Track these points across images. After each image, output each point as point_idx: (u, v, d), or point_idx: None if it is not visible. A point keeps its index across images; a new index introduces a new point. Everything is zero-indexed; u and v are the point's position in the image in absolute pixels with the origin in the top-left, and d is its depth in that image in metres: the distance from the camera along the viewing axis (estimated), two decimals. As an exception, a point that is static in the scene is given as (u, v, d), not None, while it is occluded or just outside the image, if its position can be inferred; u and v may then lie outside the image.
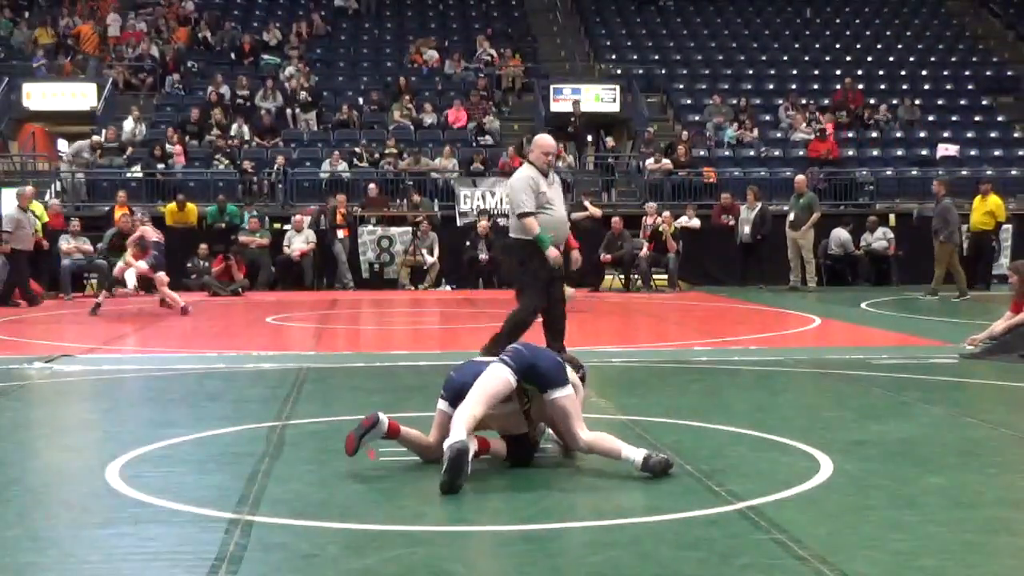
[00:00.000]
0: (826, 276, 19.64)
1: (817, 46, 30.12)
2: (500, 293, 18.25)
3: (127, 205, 19.79)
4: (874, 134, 25.60)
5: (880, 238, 20.10)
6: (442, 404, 5.29)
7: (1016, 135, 26.18)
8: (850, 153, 24.62)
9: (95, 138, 22.87)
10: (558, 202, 8.53)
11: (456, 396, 5.20)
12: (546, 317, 8.62)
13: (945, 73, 28.75)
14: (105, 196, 21.58)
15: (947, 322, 13.03)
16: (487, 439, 5.28)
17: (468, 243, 19.49)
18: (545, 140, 8.68)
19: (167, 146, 22.66)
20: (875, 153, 24.92)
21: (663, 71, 28.32)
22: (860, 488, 4.94)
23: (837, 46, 30.09)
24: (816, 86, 27.74)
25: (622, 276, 19.34)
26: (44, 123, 26.06)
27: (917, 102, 26.44)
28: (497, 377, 5.18)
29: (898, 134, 25.67)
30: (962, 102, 27.44)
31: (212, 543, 4.09)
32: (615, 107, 25.98)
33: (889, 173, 23.90)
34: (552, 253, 8.34)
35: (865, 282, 19.69)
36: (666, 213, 19.47)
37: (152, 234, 15.07)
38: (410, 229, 19.80)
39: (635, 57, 29.09)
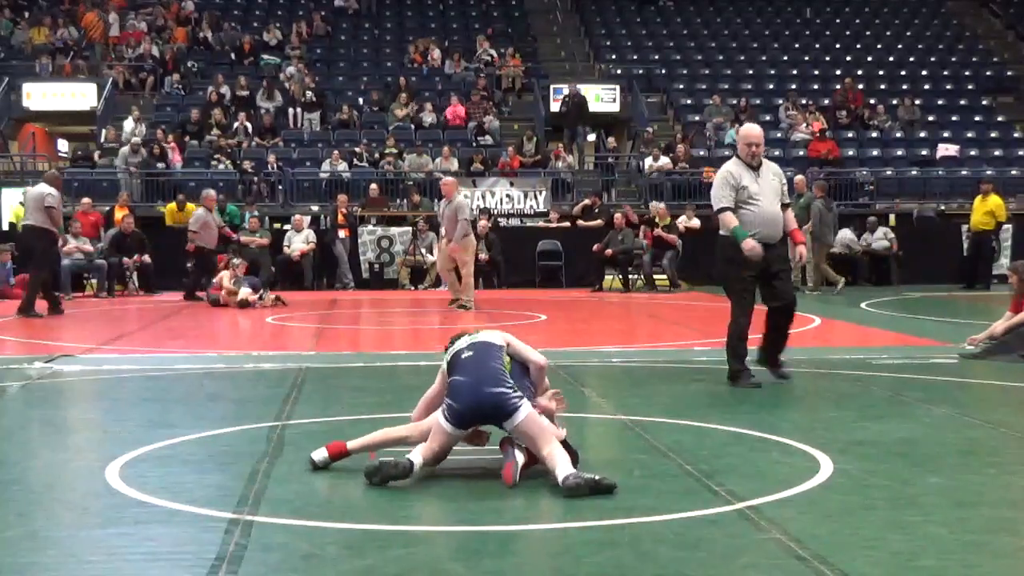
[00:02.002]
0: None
1: (817, 46, 30.12)
2: (500, 293, 18.27)
3: (127, 205, 19.81)
4: (874, 134, 25.60)
5: (880, 238, 20.11)
6: (445, 424, 5.13)
7: (1016, 135, 26.18)
8: (850, 153, 24.63)
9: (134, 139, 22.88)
10: (765, 196, 7.96)
11: (460, 421, 5.12)
12: (767, 320, 8.27)
13: (945, 73, 28.75)
14: (105, 196, 21.55)
15: (947, 322, 13.03)
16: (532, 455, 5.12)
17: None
18: (747, 130, 8.30)
19: (165, 147, 22.67)
20: (875, 153, 24.91)
21: (663, 71, 28.32)
22: (860, 488, 4.94)
23: (837, 46, 30.09)
24: (816, 86, 27.75)
25: (622, 276, 19.31)
26: (44, 123, 26.06)
27: (917, 102, 26.44)
28: (439, 432, 5.14)
29: (898, 134, 25.67)
30: (962, 102, 27.45)
31: (212, 543, 4.09)
32: (615, 107, 25.99)
33: (889, 173, 23.91)
34: (747, 245, 7.83)
35: (865, 282, 19.69)
36: (661, 205, 19.35)
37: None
38: (410, 229, 19.80)
39: (635, 57, 29.09)
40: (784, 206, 8.15)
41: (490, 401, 5.05)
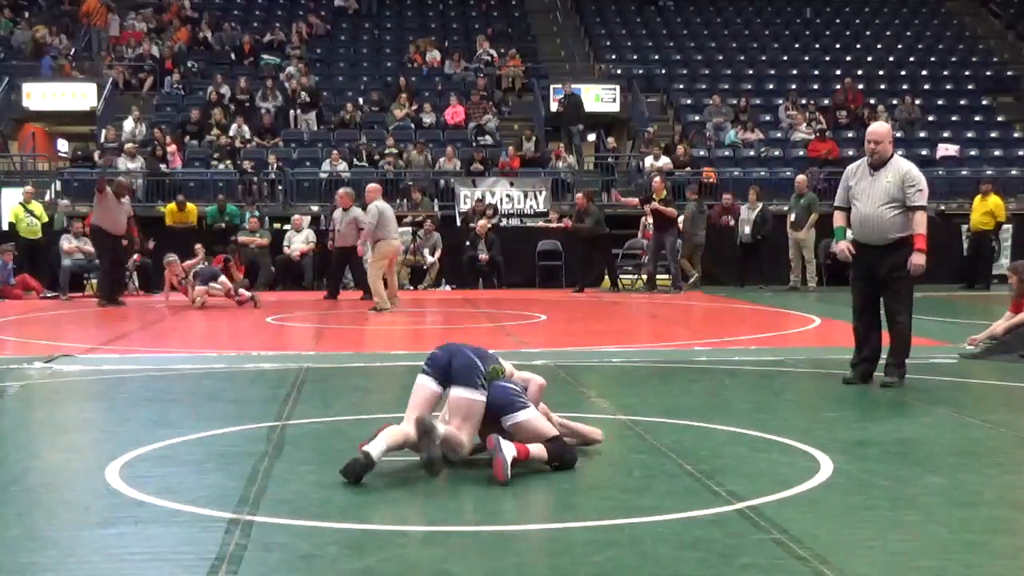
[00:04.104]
0: (826, 276, 19.62)
1: (817, 46, 30.11)
2: (500, 293, 18.27)
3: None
4: (875, 134, 25.55)
5: (880, 238, 20.09)
6: (425, 379, 5.28)
7: (1016, 135, 26.17)
8: (850, 153, 24.51)
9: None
10: (865, 197, 7.91)
11: (440, 372, 5.25)
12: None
13: (945, 73, 28.74)
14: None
15: (947, 322, 13.02)
16: (526, 446, 5.12)
17: (468, 243, 19.48)
18: (869, 128, 8.33)
19: (165, 147, 22.65)
20: (875, 153, 24.86)
21: (663, 71, 28.31)
22: (860, 488, 4.94)
23: (837, 46, 30.08)
24: (816, 86, 27.74)
25: (635, 275, 19.20)
26: (44, 123, 26.05)
27: (917, 102, 26.43)
28: (417, 387, 5.30)
29: (898, 134, 25.63)
30: (962, 102, 27.43)
31: (212, 543, 4.09)
32: (615, 107, 25.98)
33: (889, 173, 23.85)
34: (839, 246, 8.38)
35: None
36: (657, 178, 18.84)
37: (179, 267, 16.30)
38: (410, 229, 19.79)
39: (635, 57, 29.08)
40: (912, 208, 7.78)
41: (466, 361, 5.22)
